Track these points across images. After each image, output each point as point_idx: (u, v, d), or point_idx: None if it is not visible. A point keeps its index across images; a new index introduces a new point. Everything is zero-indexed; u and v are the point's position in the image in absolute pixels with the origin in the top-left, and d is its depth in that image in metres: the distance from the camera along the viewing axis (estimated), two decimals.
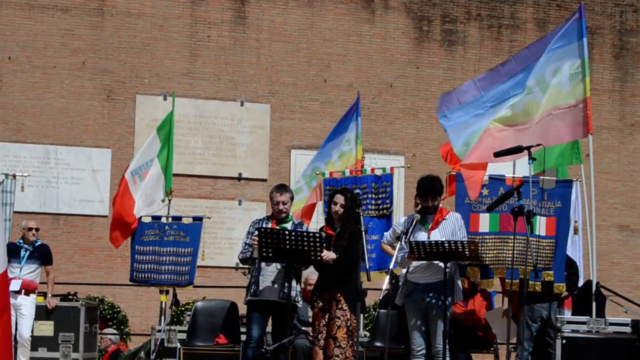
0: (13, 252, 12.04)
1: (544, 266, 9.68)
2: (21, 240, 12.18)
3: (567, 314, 11.18)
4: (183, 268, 11.43)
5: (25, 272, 12.05)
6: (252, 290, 9.61)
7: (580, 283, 12.12)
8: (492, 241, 9.71)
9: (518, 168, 11.35)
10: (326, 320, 9.11)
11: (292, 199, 9.81)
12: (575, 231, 11.41)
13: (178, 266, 11.44)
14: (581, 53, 9.93)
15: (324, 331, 9.11)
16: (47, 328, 12.12)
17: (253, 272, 9.70)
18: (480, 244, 9.59)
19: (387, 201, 10.78)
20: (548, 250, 9.76)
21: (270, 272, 9.58)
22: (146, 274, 11.61)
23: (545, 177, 10.13)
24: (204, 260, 11.81)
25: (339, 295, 9.04)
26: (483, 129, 10.11)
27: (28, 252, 12.11)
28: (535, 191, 9.32)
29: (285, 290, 9.41)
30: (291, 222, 9.69)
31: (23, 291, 11.97)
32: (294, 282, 9.48)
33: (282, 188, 9.79)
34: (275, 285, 9.46)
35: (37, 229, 12.30)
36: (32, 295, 12.08)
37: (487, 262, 9.85)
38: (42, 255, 12.23)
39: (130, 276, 11.71)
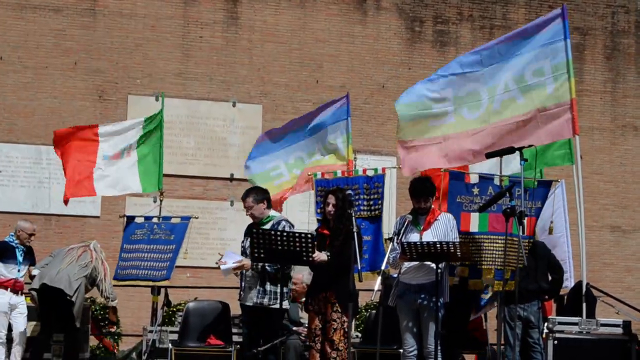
0: (8, 251, 11.95)
1: (522, 266, 9.65)
2: (15, 240, 12.08)
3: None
4: (162, 264, 11.45)
5: (22, 273, 12.03)
6: (239, 294, 9.81)
7: (572, 284, 12.16)
8: (481, 241, 9.70)
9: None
10: (321, 322, 9.14)
11: (257, 200, 9.82)
12: (550, 231, 11.40)
13: (157, 262, 11.46)
14: (565, 54, 9.93)
15: (320, 334, 9.14)
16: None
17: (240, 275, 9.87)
18: (469, 244, 9.60)
19: (379, 202, 10.79)
20: (527, 250, 9.73)
21: (249, 275, 9.69)
22: (127, 270, 11.64)
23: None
24: (185, 260, 11.81)
25: (333, 298, 9.06)
26: (449, 121, 10.21)
27: (23, 253, 12.06)
28: (520, 191, 9.31)
29: (260, 295, 9.54)
30: (271, 222, 9.72)
31: (19, 291, 11.97)
32: (270, 287, 9.57)
33: (244, 194, 9.92)
34: (252, 291, 9.60)
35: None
36: (23, 295, 12.07)
37: (476, 263, 9.84)
38: (32, 257, 12.21)
39: (115, 274, 11.72)
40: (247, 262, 9.57)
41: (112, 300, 11.75)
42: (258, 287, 9.56)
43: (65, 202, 12.36)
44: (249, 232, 9.73)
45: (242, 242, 9.95)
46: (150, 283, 11.47)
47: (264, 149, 12.54)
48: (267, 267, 9.50)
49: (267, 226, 9.56)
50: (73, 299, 11.20)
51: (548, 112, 9.87)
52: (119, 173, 12.34)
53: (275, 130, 12.85)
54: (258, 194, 9.83)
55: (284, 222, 9.65)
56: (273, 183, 12.09)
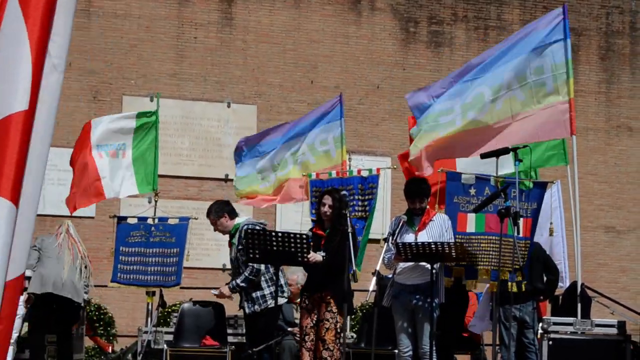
0: None
1: (519, 267, 9.66)
2: None
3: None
4: (169, 268, 11.42)
5: None
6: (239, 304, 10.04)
7: (566, 284, 12.17)
8: (477, 241, 9.71)
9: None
10: (313, 321, 9.11)
11: (218, 215, 10.17)
12: (550, 232, 11.41)
13: (164, 267, 11.43)
14: (565, 53, 9.97)
15: (311, 333, 9.11)
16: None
17: None
18: (466, 245, 9.60)
19: (373, 202, 10.80)
20: (524, 251, 9.73)
21: None
22: (131, 274, 11.59)
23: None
24: (187, 261, 11.83)
25: (329, 297, 9.04)
26: (456, 125, 10.21)
27: None
28: (516, 192, 9.32)
29: (250, 305, 9.71)
30: (237, 230, 9.94)
31: None
32: (256, 293, 9.71)
33: (207, 213, 10.36)
34: (245, 301, 9.80)
35: None
36: (20, 296, 12.02)
37: (472, 263, 9.83)
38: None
39: (113, 277, 11.65)
40: (224, 290, 10.00)
41: (85, 293, 11.50)
42: (245, 296, 9.78)
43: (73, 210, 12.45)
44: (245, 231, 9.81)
45: (230, 253, 10.11)
46: (164, 290, 11.52)
47: (254, 152, 12.59)
48: (242, 284, 9.70)
49: (236, 236, 9.80)
50: (82, 304, 11.26)
51: (546, 110, 9.91)
52: (118, 174, 12.29)
53: (265, 131, 12.90)
54: (217, 210, 10.17)
55: (245, 226, 9.75)
56: (259, 186, 12.22)
